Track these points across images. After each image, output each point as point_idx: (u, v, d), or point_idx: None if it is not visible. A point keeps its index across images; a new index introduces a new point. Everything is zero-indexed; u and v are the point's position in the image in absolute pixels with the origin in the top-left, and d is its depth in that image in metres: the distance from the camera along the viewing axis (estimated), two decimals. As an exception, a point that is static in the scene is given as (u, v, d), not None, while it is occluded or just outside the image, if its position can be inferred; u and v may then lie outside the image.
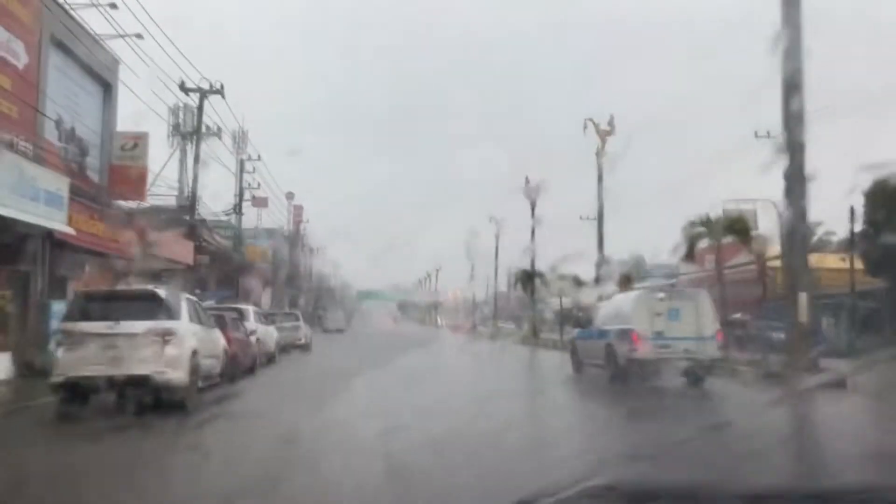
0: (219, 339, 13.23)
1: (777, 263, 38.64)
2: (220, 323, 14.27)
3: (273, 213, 50.22)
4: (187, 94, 23.55)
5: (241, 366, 15.24)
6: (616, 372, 15.54)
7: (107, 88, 21.56)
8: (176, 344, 10.42)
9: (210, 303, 21.99)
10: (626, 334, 15.28)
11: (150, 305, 10.73)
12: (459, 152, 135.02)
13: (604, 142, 29.67)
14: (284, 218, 56.66)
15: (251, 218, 45.59)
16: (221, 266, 28.28)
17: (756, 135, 30.17)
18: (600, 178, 29.76)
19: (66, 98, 19.37)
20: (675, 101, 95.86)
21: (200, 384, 11.34)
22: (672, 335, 15.02)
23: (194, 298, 12.81)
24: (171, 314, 10.73)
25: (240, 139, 34.22)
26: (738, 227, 22.10)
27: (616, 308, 17.08)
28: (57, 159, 16.34)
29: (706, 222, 22.04)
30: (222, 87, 23.85)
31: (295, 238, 62.05)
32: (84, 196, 17.44)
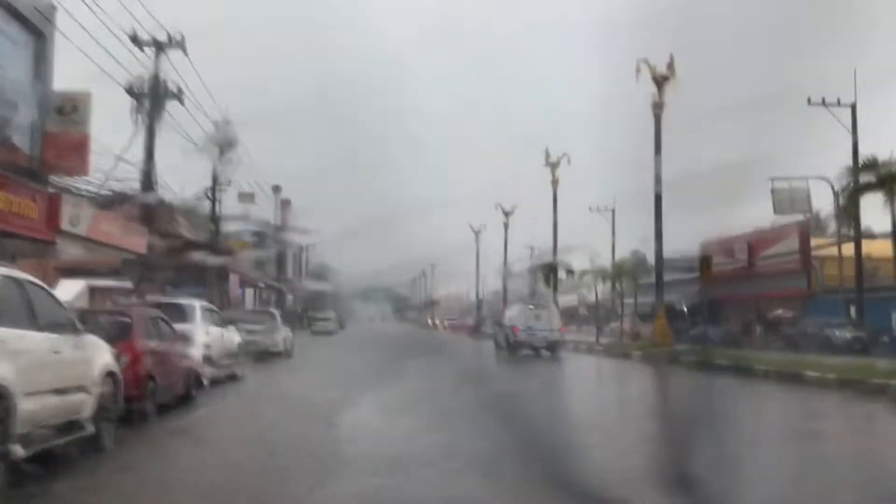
0: (93, 357, 7.66)
1: (824, 253, 34.83)
2: (120, 326, 9.05)
3: (260, 209, 46.71)
4: (141, 49, 19.56)
5: (158, 396, 9.80)
6: (508, 348, 28.60)
7: (39, 38, 17.61)
8: None
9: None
10: (511, 327, 28.45)
11: None
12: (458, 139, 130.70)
13: (661, 90, 23.57)
14: (271, 213, 53.25)
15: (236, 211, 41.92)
16: (183, 258, 24.28)
17: (809, 101, 26.08)
18: (657, 140, 23.80)
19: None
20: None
21: (25, 451, 5.81)
22: (535, 328, 27.74)
23: (27, 278, 6.80)
24: None
25: (225, 130, 30.37)
26: None
27: (511, 313, 30.40)
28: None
29: (875, 165, 16.48)
30: (183, 39, 19.86)
31: (282, 234, 58.50)
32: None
